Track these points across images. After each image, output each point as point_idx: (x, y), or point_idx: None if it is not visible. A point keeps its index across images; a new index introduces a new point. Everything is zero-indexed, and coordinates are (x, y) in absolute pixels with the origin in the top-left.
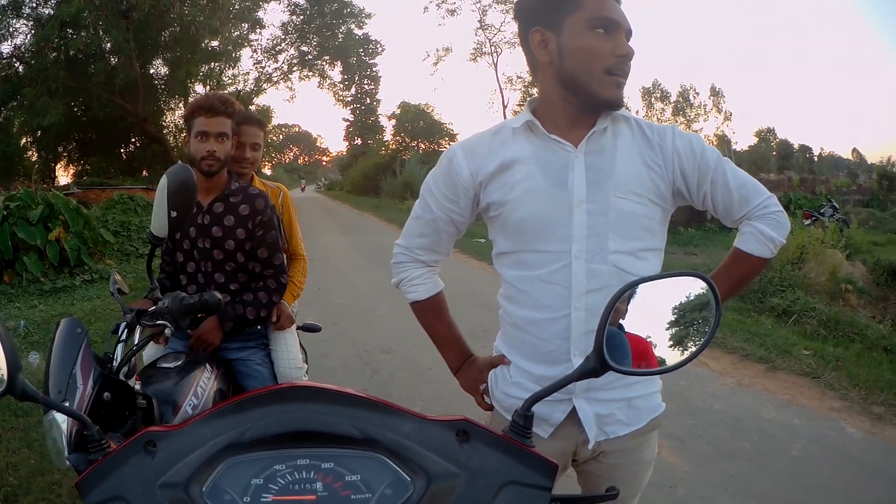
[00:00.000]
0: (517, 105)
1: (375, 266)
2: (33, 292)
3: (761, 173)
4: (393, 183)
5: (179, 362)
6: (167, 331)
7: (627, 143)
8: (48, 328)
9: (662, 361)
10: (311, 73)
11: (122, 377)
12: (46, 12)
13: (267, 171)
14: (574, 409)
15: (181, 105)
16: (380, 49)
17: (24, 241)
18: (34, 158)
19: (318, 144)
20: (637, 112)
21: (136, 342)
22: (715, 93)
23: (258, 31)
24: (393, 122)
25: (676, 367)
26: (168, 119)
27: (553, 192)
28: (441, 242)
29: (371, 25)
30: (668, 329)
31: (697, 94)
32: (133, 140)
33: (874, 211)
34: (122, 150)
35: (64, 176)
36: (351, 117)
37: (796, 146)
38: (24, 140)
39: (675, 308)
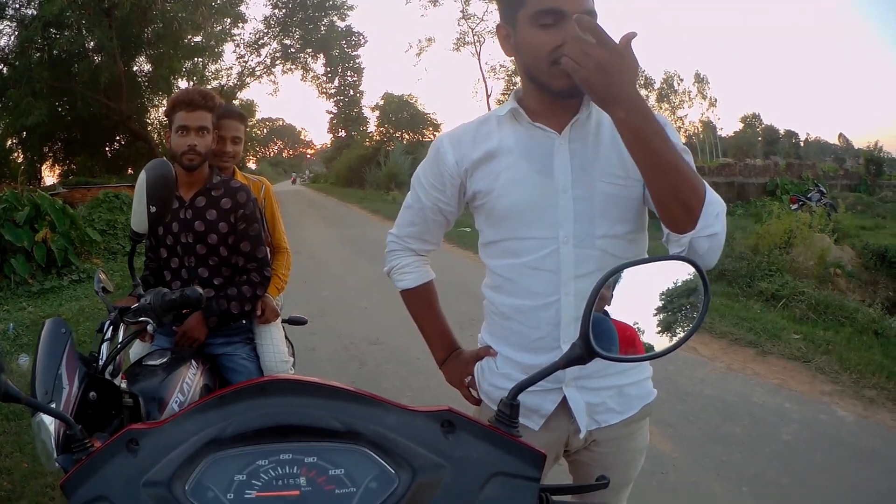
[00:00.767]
0: (501, 94)
1: (361, 258)
2: (22, 294)
3: (747, 159)
4: (377, 174)
5: (165, 359)
6: (149, 327)
7: (609, 128)
8: (38, 330)
9: (650, 348)
10: (294, 66)
11: (107, 376)
12: (29, 13)
13: (252, 165)
14: (564, 399)
15: (164, 102)
16: (362, 41)
17: (10, 244)
18: (20, 160)
19: (302, 137)
20: None
21: (120, 340)
22: (699, 79)
23: (241, 25)
24: (377, 113)
25: (663, 353)
26: (152, 116)
27: (538, 180)
28: (430, 232)
29: (353, 17)
30: (655, 315)
31: (682, 80)
32: (118, 138)
33: (862, 195)
34: (106, 149)
35: (50, 176)
36: (334, 109)
37: (782, 132)
38: (9, 142)
39: (662, 294)
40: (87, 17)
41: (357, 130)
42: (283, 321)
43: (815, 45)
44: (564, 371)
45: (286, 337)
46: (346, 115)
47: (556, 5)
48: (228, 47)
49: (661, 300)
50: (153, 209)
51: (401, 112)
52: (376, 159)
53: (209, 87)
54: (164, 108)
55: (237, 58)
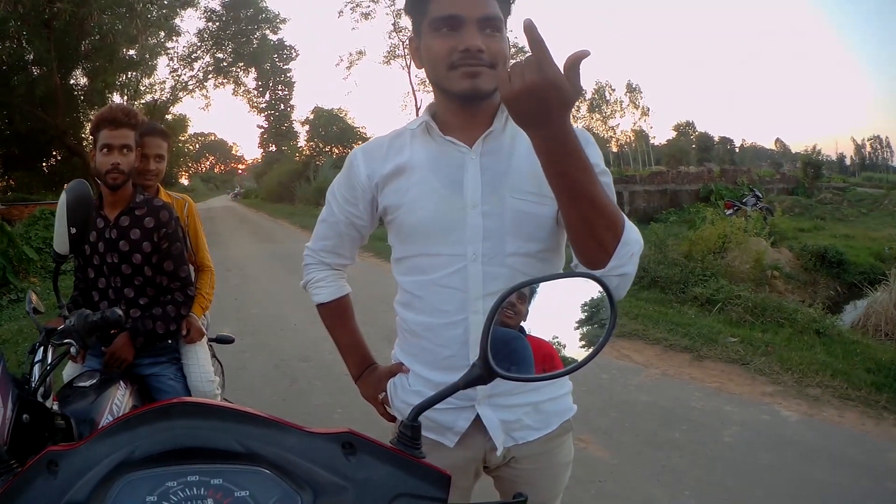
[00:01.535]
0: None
1: (290, 274)
2: None
3: (681, 166)
4: (307, 189)
5: (94, 381)
6: (72, 349)
7: (526, 141)
8: None
9: (571, 362)
10: (225, 80)
11: (39, 398)
12: None
13: (184, 180)
14: (479, 417)
15: None
16: (294, 54)
17: None
18: None
19: (233, 153)
20: None
21: (49, 362)
22: (631, 89)
23: (175, 38)
24: (307, 127)
25: (565, 373)
26: (87, 131)
27: (446, 195)
28: (344, 246)
29: (285, 31)
30: (577, 328)
31: (613, 90)
32: (54, 154)
33: (800, 198)
34: (44, 164)
35: None
36: (265, 124)
37: (717, 138)
38: None
39: (584, 306)
40: (27, 28)
41: (287, 145)
42: (210, 340)
43: (750, 53)
44: (476, 389)
45: (214, 356)
46: (277, 130)
47: (453, 11)
48: (162, 61)
49: (583, 313)
50: (73, 230)
51: (331, 126)
52: (306, 174)
53: (142, 101)
54: None
55: (170, 71)
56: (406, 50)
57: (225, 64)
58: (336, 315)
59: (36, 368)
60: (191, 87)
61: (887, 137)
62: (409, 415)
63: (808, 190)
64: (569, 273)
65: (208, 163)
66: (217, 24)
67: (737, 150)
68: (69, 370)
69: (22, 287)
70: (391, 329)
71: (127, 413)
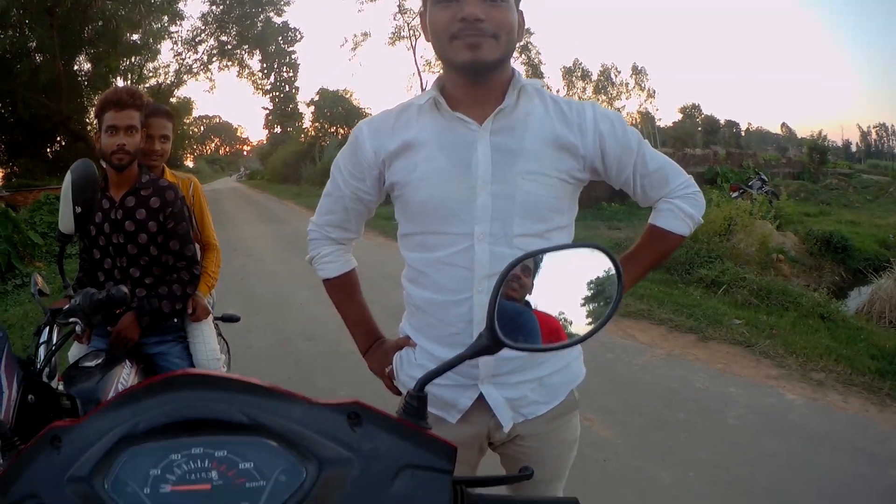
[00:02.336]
0: (432, 84)
1: (295, 254)
2: None
3: (686, 148)
4: (312, 170)
5: (100, 360)
6: (77, 328)
7: (539, 120)
8: None
9: (576, 337)
10: (230, 63)
11: (44, 378)
12: None
13: (189, 163)
14: (482, 395)
15: None
16: (298, 36)
17: None
18: None
19: (238, 134)
20: (558, 91)
21: (54, 343)
22: (637, 71)
23: (178, 22)
24: (312, 108)
25: (573, 343)
26: (91, 116)
27: (455, 174)
28: (350, 220)
29: (290, 13)
30: (583, 305)
31: (619, 72)
32: (58, 139)
33: (805, 183)
34: (48, 150)
35: None
36: (270, 106)
37: (723, 122)
38: None
39: (590, 283)
40: (29, 16)
41: (292, 126)
42: (216, 319)
43: (757, 36)
44: (479, 369)
45: (220, 334)
46: (282, 111)
47: None
48: (166, 45)
49: (589, 289)
50: (79, 210)
51: (336, 107)
52: (311, 155)
53: (147, 85)
54: None
55: (174, 55)
56: (411, 31)
57: (229, 47)
58: (343, 290)
59: (41, 349)
60: (195, 71)
61: (893, 125)
62: (414, 385)
63: (814, 175)
64: (575, 244)
65: (213, 145)
66: (221, 7)
67: (742, 133)
68: (74, 350)
69: (27, 272)
70: (397, 307)
71: (130, 387)
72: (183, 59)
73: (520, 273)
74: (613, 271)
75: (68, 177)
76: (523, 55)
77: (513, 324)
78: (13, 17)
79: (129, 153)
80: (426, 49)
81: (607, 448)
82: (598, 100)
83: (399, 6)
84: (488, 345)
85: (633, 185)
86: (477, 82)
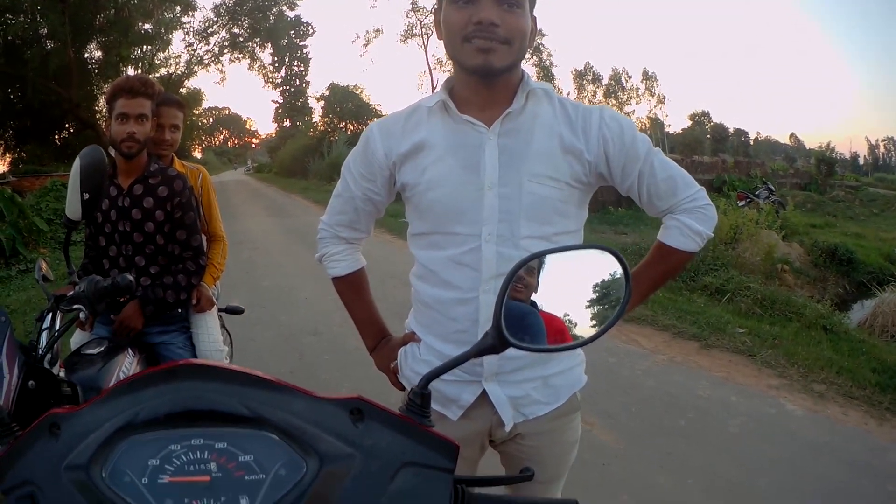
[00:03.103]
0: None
1: (302, 248)
2: None
3: (695, 155)
4: (320, 164)
5: (102, 348)
6: (81, 315)
7: (547, 123)
8: None
9: (583, 339)
10: (241, 55)
11: (46, 365)
12: None
13: (197, 154)
14: (485, 392)
15: None
16: (311, 31)
17: None
18: None
19: (247, 127)
20: (568, 94)
21: (57, 329)
22: (647, 76)
23: (190, 13)
24: (322, 103)
25: (579, 344)
26: (101, 104)
27: (464, 175)
28: (360, 220)
29: (302, 7)
30: (588, 307)
31: (630, 77)
32: (67, 126)
33: (812, 194)
34: (56, 137)
35: (0, 164)
36: (280, 99)
37: (731, 130)
38: None
39: (596, 286)
40: (41, 2)
41: (302, 120)
42: (220, 310)
43: (768, 46)
44: (483, 366)
45: (223, 326)
46: (292, 105)
47: None
48: (177, 35)
49: (595, 291)
50: (86, 196)
51: (346, 103)
52: (320, 150)
53: (157, 74)
54: None
55: (186, 46)
56: (423, 29)
57: (241, 39)
58: (352, 288)
59: (44, 335)
60: (206, 62)
61: None
62: (418, 382)
63: (821, 186)
64: (583, 245)
65: (222, 137)
66: None
67: (751, 142)
68: (77, 337)
69: (32, 258)
70: (402, 304)
71: (131, 376)
72: (194, 50)
73: (524, 274)
74: (620, 273)
75: (77, 162)
76: (535, 57)
77: (519, 324)
78: (25, 3)
79: (138, 141)
80: (438, 47)
81: (607, 452)
82: (608, 104)
83: (413, 3)
84: (494, 344)
85: (638, 192)
86: (486, 85)
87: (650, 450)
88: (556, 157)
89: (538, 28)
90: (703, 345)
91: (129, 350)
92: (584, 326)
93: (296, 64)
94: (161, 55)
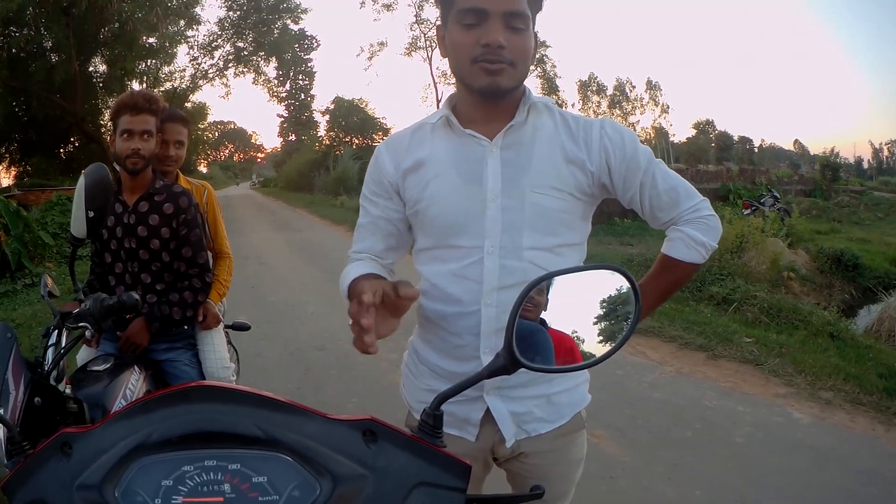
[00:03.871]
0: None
1: (308, 263)
2: None
3: (700, 164)
4: (326, 179)
5: (108, 365)
6: (87, 333)
7: (548, 135)
8: None
9: (591, 356)
10: (246, 69)
11: (52, 381)
12: None
13: (202, 168)
14: (488, 408)
15: None
16: (315, 44)
17: None
18: None
19: (253, 141)
20: (573, 105)
21: (63, 346)
22: (651, 86)
23: (195, 27)
24: (327, 117)
25: (587, 365)
26: (105, 118)
27: (466, 189)
28: (390, 244)
29: (307, 21)
30: (596, 324)
31: (634, 87)
32: (72, 140)
33: (817, 200)
34: (61, 151)
35: (5, 178)
36: (285, 113)
37: (736, 138)
38: None
39: (603, 302)
40: (45, 16)
41: (307, 134)
42: (227, 327)
43: (770, 53)
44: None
45: (230, 342)
46: (297, 119)
47: (479, 5)
48: (182, 49)
49: (602, 309)
50: (91, 214)
51: (351, 116)
52: (325, 164)
53: (162, 88)
54: None
55: (190, 60)
56: (427, 42)
57: (245, 53)
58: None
59: (49, 352)
60: (211, 76)
61: None
62: (431, 403)
63: (826, 192)
64: (594, 265)
65: (227, 151)
66: (238, 13)
67: (756, 150)
68: (83, 354)
69: (37, 272)
70: (408, 321)
71: (143, 396)
72: (199, 64)
73: (533, 293)
74: (627, 287)
75: (82, 181)
76: (539, 68)
77: (526, 343)
78: (28, 16)
79: (143, 158)
80: (442, 61)
81: (614, 465)
82: (613, 114)
83: (416, 17)
84: (505, 365)
85: (640, 203)
86: (490, 103)
87: (657, 462)
88: (559, 168)
89: (540, 41)
90: (709, 355)
91: (136, 367)
92: (593, 343)
93: (300, 78)
94: (166, 69)
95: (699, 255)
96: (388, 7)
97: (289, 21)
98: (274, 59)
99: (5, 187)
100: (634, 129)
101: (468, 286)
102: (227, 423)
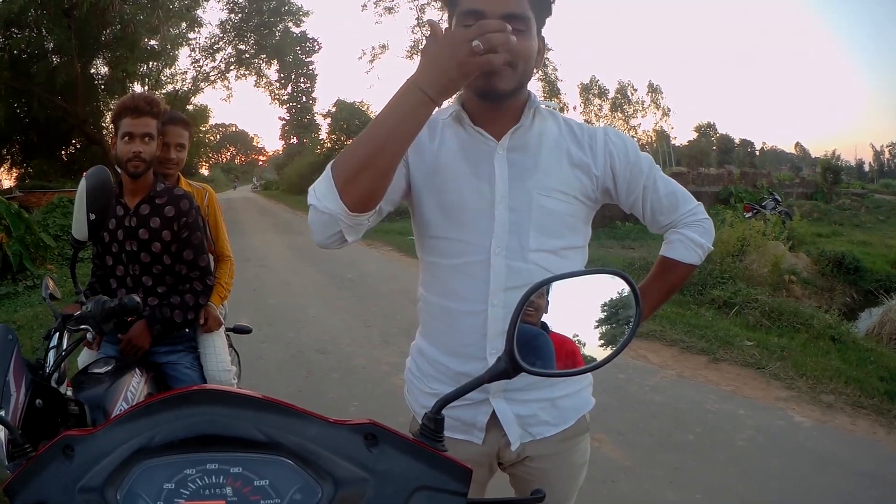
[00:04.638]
0: (451, 103)
1: (309, 265)
2: None
3: (701, 167)
4: None
5: (109, 367)
6: (88, 335)
7: (554, 140)
8: None
9: (591, 360)
10: (247, 72)
11: (53, 384)
12: None
13: (204, 171)
14: (494, 412)
15: None
16: (316, 47)
17: None
18: None
19: (254, 144)
20: (574, 108)
21: (65, 348)
22: (653, 89)
23: (196, 29)
24: (328, 120)
25: (588, 369)
26: (107, 120)
27: (475, 183)
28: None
29: (308, 23)
30: (597, 327)
31: (635, 90)
32: (73, 142)
33: (818, 203)
34: (62, 153)
35: (7, 179)
36: (287, 116)
37: (737, 140)
38: None
39: (604, 305)
40: (47, 17)
41: (309, 137)
42: (228, 330)
43: (771, 56)
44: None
45: (231, 345)
46: (299, 122)
47: (477, 6)
48: (184, 52)
49: (603, 312)
50: (93, 217)
51: (353, 119)
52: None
53: (164, 91)
54: None
55: (192, 62)
56: None
57: (247, 56)
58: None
59: (51, 354)
60: (212, 78)
61: None
62: (433, 407)
63: (827, 195)
64: (595, 269)
65: (229, 154)
66: (239, 15)
67: (757, 152)
68: (84, 357)
69: (39, 274)
70: (409, 322)
71: (145, 400)
72: (200, 67)
73: (533, 297)
74: (627, 291)
75: (83, 184)
76: (540, 71)
77: (528, 347)
78: (30, 18)
79: (144, 161)
80: None
81: (616, 469)
82: (614, 118)
83: (417, 19)
84: (506, 369)
85: (642, 207)
86: (494, 104)
87: (659, 465)
88: (564, 172)
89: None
90: (711, 359)
91: (137, 369)
92: (594, 347)
93: (302, 80)
94: (167, 71)
95: (697, 256)
96: (389, 10)
97: (290, 24)
98: (275, 61)
99: (7, 189)
100: (636, 133)
101: (473, 284)
102: (229, 427)
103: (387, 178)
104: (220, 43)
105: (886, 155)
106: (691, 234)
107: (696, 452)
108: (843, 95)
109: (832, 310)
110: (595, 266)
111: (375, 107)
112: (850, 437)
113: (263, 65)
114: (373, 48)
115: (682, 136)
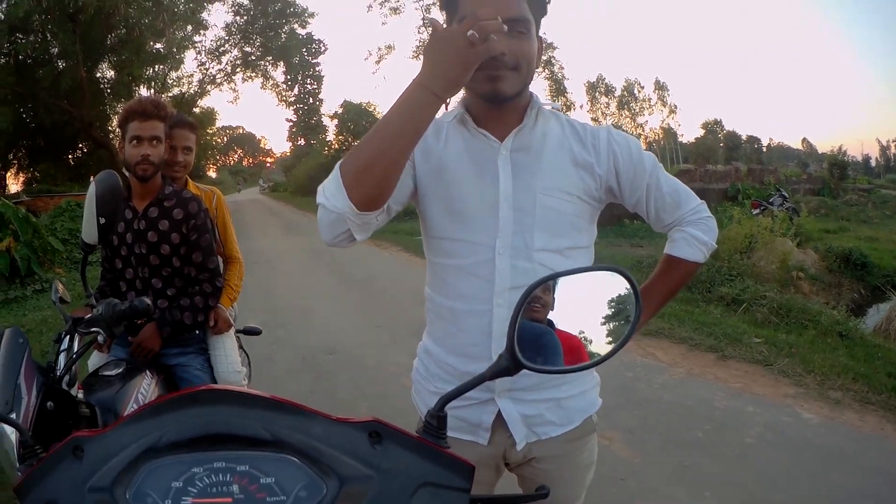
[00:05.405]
0: (455, 105)
1: (318, 267)
2: None
3: (708, 164)
4: None
5: (120, 370)
6: (100, 338)
7: (557, 140)
8: None
9: (598, 357)
10: (254, 74)
11: (64, 386)
12: None
13: (212, 173)
14: (500, 412)
15: None
16: (322, 48)
17: None
18: None
19: (262, 146)
20: (581, 107)
21: (75, 351)
22: (659, 86)
23: (202, 32)
24: (335, 121)
25: (590, 365)
26: (113, 123)
27: (480, 183)
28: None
29: (314, 25)
30: (604, 324)
31: (642, 87)
32: (80, 146)
33: (825, 199)
34: (69, 157)
35: (14, 184)
36: (294, 118)
37: (744, 137)
38: None
39: (610, 302)
40: (52, 22)
41: (316, 139)
42: (238, 331)
43: (777, 52)
44: (495, 381)
45: (241, 347)
46: (306, 124)
47: (476, 10)
48: (189, 54)
49: (609, 309)
50: (102, 220)
51: (360, 120)
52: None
53: (170, 94)
54: None
55: (198, 65)
56: None
57: (253, 58)
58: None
59: (62, 357)
60: (219, 81)
61: None
62: (435, 404)
63: (834, 191)
64: (594, 266)
65: (237, 156)
66: (245, 18)
67: (764, 149)
68: (95, 359)
69: (47, 278)
70: (419, 324)
71: (153, 400)
72: (206, 69)
73: (540, 293)
74: (631, 294)
75: (92, 187)
76: (546, 70)
77: (534, 345)
78: (35, 22)
79: (153, 164)
80: None
81: (625, 467)
82: (621, 115)
83: (423, 20)
84: (507, 366)
85: (645, 205)
86: (497, 107)
87: (667, 463)
88: (568, 172)
89: (548, 43)
90: (719, 356)
91: (147, 372)
92: (600, 343)
93: (309, 82)
94: (174, 74)
95: (701, 253)
96: (395, 10)
97: (296, 25)
98: (282, 63)
99: (14, 193)
100: (643, 130)
101: (478, 284)
102: (236, 426)
103: (394, 177)
104: (226, 45)
105: (893, 150)
106: (695, 232)
107: (704, 450)
108: (849, 91)
109: (840, 306)
110: (608, 263)
111: (382, 108)
112: (858, 433)
113: (270, 67)
114: (379, 49)
115: (690, 133)
